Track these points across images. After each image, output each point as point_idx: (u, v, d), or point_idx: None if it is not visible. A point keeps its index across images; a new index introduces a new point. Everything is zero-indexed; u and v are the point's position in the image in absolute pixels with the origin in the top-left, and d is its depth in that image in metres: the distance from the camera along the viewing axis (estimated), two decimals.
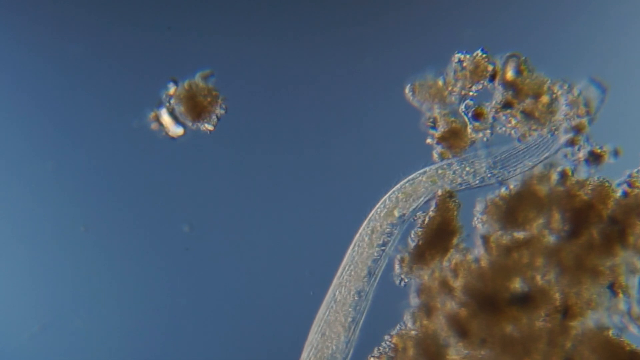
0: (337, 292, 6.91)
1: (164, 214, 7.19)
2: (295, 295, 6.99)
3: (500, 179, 6.81)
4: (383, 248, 6.90)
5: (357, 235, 6.91)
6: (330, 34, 7.00)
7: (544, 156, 6.75)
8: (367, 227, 6.90)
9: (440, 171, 6.86)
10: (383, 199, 6.90)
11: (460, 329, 6.64)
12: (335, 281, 6.93)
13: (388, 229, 6.89)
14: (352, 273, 6.88)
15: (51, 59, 7.21)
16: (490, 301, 6.59)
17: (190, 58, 7.11)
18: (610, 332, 6.59)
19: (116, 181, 7.20)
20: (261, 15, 7.09)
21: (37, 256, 7.25)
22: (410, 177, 6.90)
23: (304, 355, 6.91)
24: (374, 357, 6.81)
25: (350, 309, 6.89)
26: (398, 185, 6.90)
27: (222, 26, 7.08)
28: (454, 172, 6.86)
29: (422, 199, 6.86)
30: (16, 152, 7.24)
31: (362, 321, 6.93)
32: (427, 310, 6.75)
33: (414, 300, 6.80)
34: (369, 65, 6.99)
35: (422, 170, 6.89)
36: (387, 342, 6.78)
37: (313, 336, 6.93)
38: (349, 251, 6.92)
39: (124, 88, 7.17)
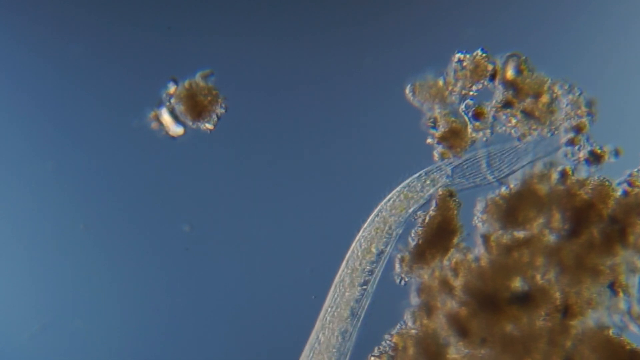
0: (320, 335, 6.91)
1: (164, 213, 7.19)
2: (295, 297, 6.99)
3: (461, 187, 6.84)
4: (364, 287, 6.90)
5: (337, 276, 6.92)
6: (330, 34, 7.00)
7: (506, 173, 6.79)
8: (347, 268, 6.91)
9: (402, 195, 6.86)
10: (357, 238, 6.92)
11: (461, 328, 6.65)
12: (318, 324, 6.93)
13: (368, 267, 6.89)
14: (335, 314, 6.88)
15: (51, 59, 7.20)
16: (490, 300, 6.59)
17: (190, 58, 7.10)
18: (611, 332, 6.60)
19: (116, 181, 7.21)
20: (261, 15, 7.09)
21: (37, 256, 7.25)
22: (376, 208, 6.90)
23: None
24: (374, 356, 6.80)
25: (334, 350, 6.89)
26: (368, 220, 6.91)
27: (222, 26, 7.07)
28: (415, 190, 6.87)
29: (394, 229, 6.87)
30: (16, 152, 7.23)
31: None
32: (428, 309, 6.75)
33: (414, 300, 6.81)
34: (369, 65, 7.00)
35: (386, 199, 6.90)
36: (388, 341, 6.78)
37: None
38: (330, 292, 6.92)
39: (124, 88, 7.17)
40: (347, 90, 7.00)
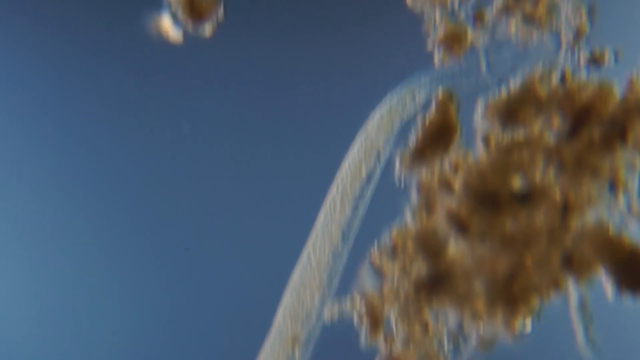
0: (311, 255, 6.88)
1: (164, 214, 7.19)
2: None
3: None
4: (355, 210, 6.89)
5: (329, 199, 6.88)
6: None
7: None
8: (337, 191, 6.89)
9: (385, 115, 6.84)
10: (346, 162, 6.89)
11: (460, 226, 6.63)
12: (309, 245, 6.89)
13: (358, 190, 6.88)
14: (326, 236, 6.86)
15: (51, 59, 7.22)
16: (490, 199, 6.59)
17: (190, 58, 7.13)
18: (610, 229, 6.57)
19: (116, 182, 7.21)
20: (261, 15, 7.11)
21: (37, 256, 7.25)
22: (363, 133, 6.89)
23: (279, 317, 6.89)
24: (373, 253, 6.77)
25: (324, 271, 6.86)
26: (358, 143, 6.90)
27: (222, 26, 7.09)
28: (397, 107, 6.85)
29: (383, 150, 6.83)
30: (16, 152, 7.25)
31: (336, 282, 6.88)
32: (427, 207, 6.72)
33: (414, 198, 6.76)
34: None
35: (371, 123, 6.88)
36: (387, 239, 6.75)
37: (287, 298, 6.89)
38: (322, 215, 6.89)
39: (124, 88, 7.18)
40: None
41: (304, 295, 6.86)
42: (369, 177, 6.88)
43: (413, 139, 6.77)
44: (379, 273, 6.76)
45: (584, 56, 6.68)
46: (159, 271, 7.15)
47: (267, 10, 7.14)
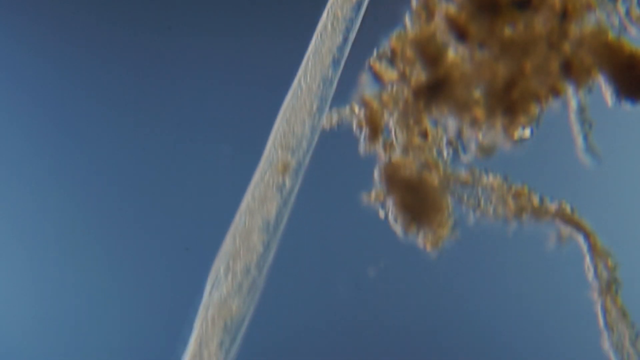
0: (302, 81, 6.80)
1: (163, 214, 7.18)
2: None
3: None
4: (346, 35, 6.81)
5: (320, 24, 6.82)
6: None
7: None
8: (329, 16, 6.80)
9: None
10: None
11: (459, 32, 6.59)
12: (300, 71, 6.83)
13: (349, 14, 6.81)
14: (317, 62, 6.78)
15: (51, 59, 7.21)
16: (489, 4, 6.54)
17: (190, 58, 7.12)
18: (609, 35, 6.56)
19: (115, 182, 7.19)
20: (260, 15, 7.11)
21: (37, 256, 7.24)
22: None
23: (269, 145, 6.83)
24: (373, 59, 6.74)
25: (315, 97, 6.79)
26: None
27: (222, 26, 7.09)
28: None
29: None
30: (16, 152, 7.24)
31: (327, 108, 6.82)
32: (427, 12, 6.66)
33: (413, 2, 6.72)
34: None
35: None
36: (386, 44, 6.72)
37: (278, 125, 6.84)
38: (313, 40, 6.82)
39: (124, 88, 7.17)
40: None
41: (294, 122, 6.79)
42: (360, 2, 6.82)
43: None
44: (378, 79, 6.73)
45: None
46: (159, 271, 7.12)
47: (266, 10, 7.14)
